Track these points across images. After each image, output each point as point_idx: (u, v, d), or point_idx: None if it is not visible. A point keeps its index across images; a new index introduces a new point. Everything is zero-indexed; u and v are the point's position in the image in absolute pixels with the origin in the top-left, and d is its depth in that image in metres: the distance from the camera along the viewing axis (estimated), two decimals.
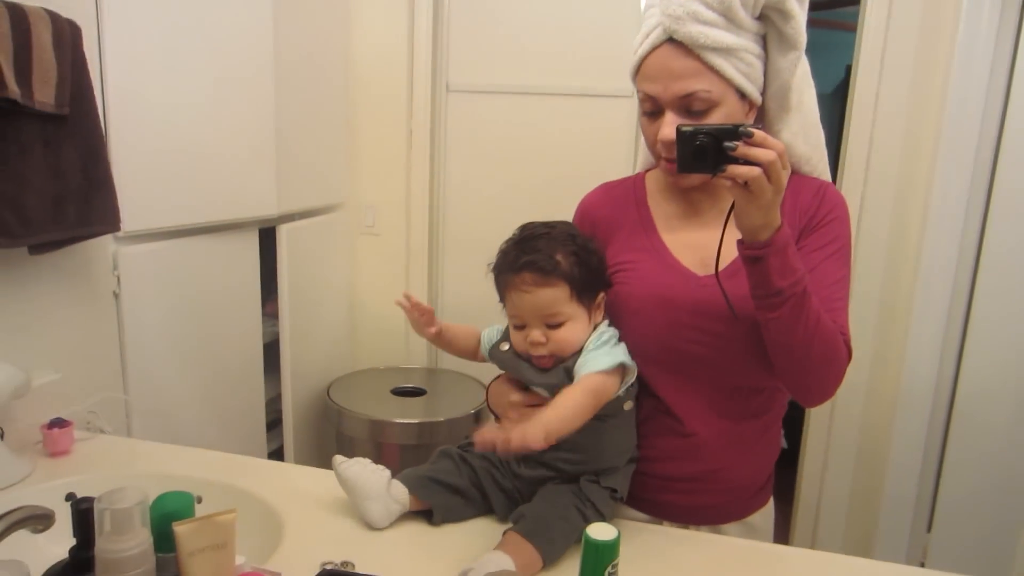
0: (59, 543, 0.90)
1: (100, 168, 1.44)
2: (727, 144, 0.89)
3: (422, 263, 2.66)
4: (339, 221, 2.58)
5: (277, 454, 2.30)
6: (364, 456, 1.14)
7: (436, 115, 2.59)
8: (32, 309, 1.40)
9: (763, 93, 1.10)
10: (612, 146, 2.42)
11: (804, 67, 1.12)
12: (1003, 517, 2.19)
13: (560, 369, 1.07)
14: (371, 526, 1.09)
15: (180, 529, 0.83)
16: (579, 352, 1.06)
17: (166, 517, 0.84)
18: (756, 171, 0.88)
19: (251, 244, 2.07)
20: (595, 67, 2.40)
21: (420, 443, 2.17)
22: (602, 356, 1.04)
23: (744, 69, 1.04)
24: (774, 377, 1.08)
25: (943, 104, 2.12)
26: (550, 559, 1.02)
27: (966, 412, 2.22)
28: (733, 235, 0.98)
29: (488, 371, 1.22)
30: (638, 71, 1.07)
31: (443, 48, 2.56)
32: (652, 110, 1.08)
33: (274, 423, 2.29)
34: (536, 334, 1.06)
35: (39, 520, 0.88)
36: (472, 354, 1.23)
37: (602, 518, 1.09)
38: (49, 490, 1.14)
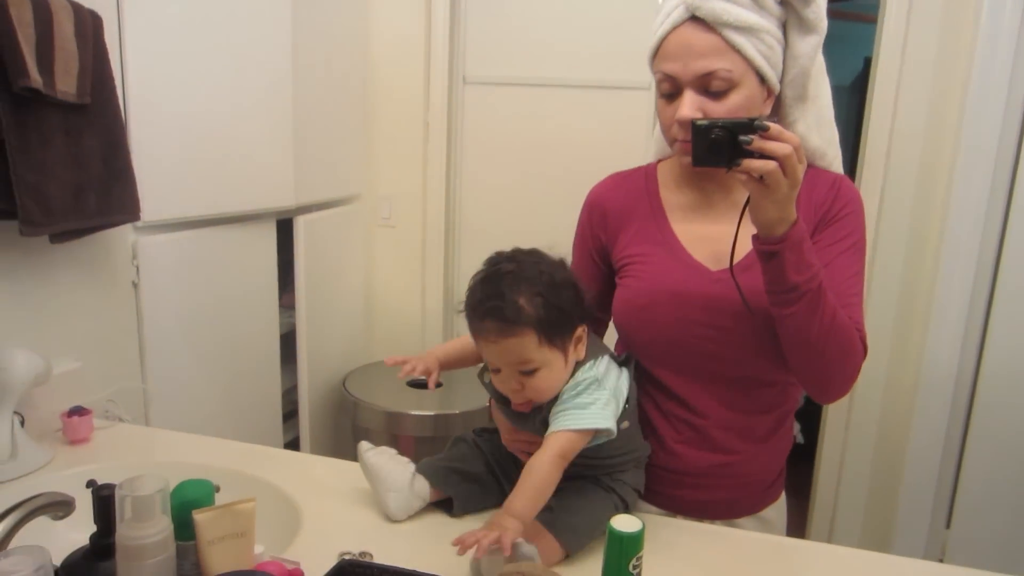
0: (79, 530, 0.91)
1: (120, 158, 1.45)
2: (742, 138, 0.88)
3: (438, 255, 2.65)
4: (356, 213, 2.58)
5: (293, 445, 2.30)
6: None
7: (453, 107, 2.58)
8: (53, 297, 1.41)
9: (780, 81, 1.08)
10: (629, 139, 2.40)
11: (821, 60, 1.10)
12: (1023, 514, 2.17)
13: (537, 419, 1.04)
14: (389, 517, 1.09)
15: (200, 517, 0.83)
16: (557, 397, 1.02)
17: (186, 505, 0.84)
18: (772, 165, 0.87)
19: (269, 235, 2.08)
20: (612, 59, 2.39)
21: (436, 435, 2.18)
22: (574, 414, 1.00)
23: (765, 51, 1.02)
24: (787, 371, 1.07)
25: (965, 96, 2.09)
26: (574, 548, 1.01)
27: (987, 407, 2.19)
28: (747, 229, 0.97)
29: None
30: (657, 51, 1.05)
31: (460, 40, 2.55)
32: (670, 91, 1.05)
33: (290, 414, 2.30)
34: (511, 382, 1.01)
35: (59, 507, 0.88)
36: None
37: (627, 508, 1.08)
38: (69, 477, 1.15)
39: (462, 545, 0.91)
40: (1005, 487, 2.19)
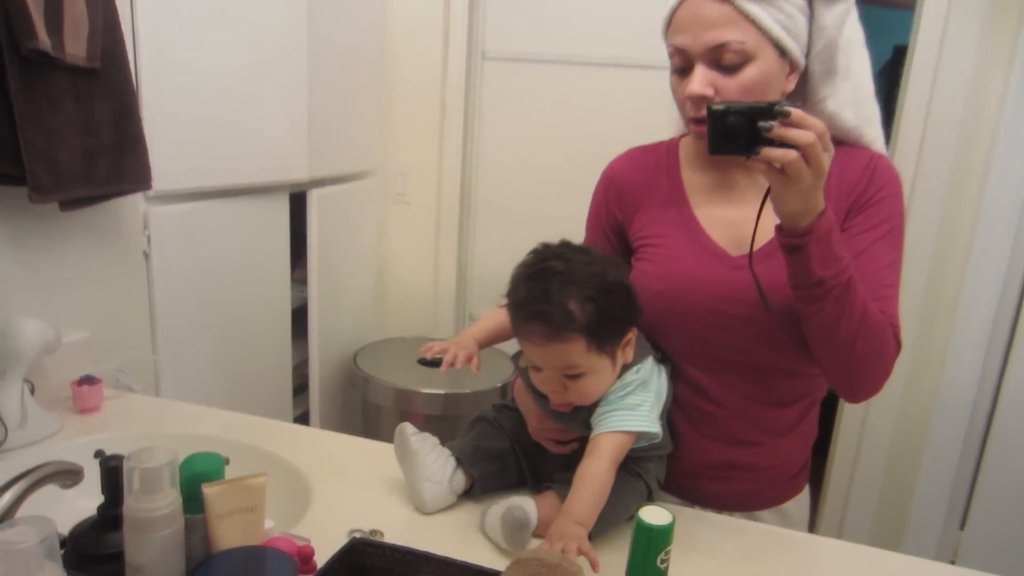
0: (88, 499, 0.89)
1: (132, 125, 1.43)
2: (761, 124, 0.82)
3: (452, 233, 2.63)
4: (370, 188, 2.55)
5: (302, 419, 2.30)
6: (391, 424, 1.11)
7: (471, 83, 2.54)
8: (63, 266, 1.39)
9: (807, 55, 1.01)
10: (649, 118, 2.31)
11: (855, 31, 1.03)
12: None
13: (578, 419, 1.01)
14: (420, 508, 1.05)
15: (209, 491, 0.81)
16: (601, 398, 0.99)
17: (195, 478, 0.83)
18: (793, 155, 0.81)
19: (281, 208, 2.05)
20: (634, 37, 2.33)
21: (445, 414, 2.16)
22: (625, 415, 0.97)
23: (784, 21, 0.95)
24: (811, 363, 1.01)
25: (1006, 86, 2.02)
26: (597, 531, 0.96)
27: (1010, 410, 2.14)
28: (769, 215, 0.91)
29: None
30: (669, 24, 1.00)
31: (480, 15, 2.50)
32: (682, 66, 1.00)
33: (300, 388, 2.29)
34: (554, 383, 0.97)
35: (67, 476, 0.87)
36: None
37: (651, 495, 1.06)
38: (78, 446, 1.14)
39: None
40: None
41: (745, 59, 0.95)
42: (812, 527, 2.42)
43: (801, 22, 0.98)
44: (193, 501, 0.81)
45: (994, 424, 2.18)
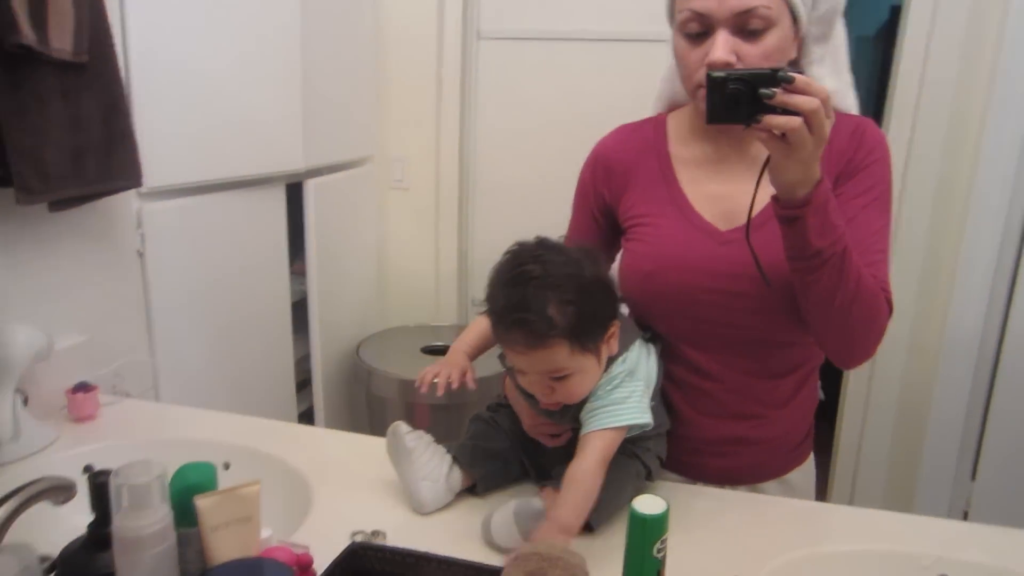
0: (83, 512, 0.87)
1: (121, 121, 1.39)
2: (763, 91, 0.79)
3: (452, 218, 2.60)
4: (367, 175, 2.52)
5: (307, 415, 2.28)
6: (397, 417, 1.09)
7: (467, 64, 2.49)
8: (53, 269, 1.36)
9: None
10: (650, 92, 2.31)
11: None
12: None
13: (569, 415, 0.99)
14: (418, 509, 1.03)
15: (202, 503, 0.79)
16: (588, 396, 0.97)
17: (188, 490, 0.80)
18: (796, 121, 0.79)
19: (278, 200, 2.02)
20: (632, 10, 2.28)
21: (451, 403, 2.14)
22: (612, 411, 0.95)
23: None
24: (805, 332, 1.00)
25: (999, 44, 2.00)
26: (597, 522, 0.96)
27: (1015, 359, 2.13)
28: (765, 188, 0.89)
29: None
30: None
31: None
32: (699, 31, 0.96)
33: (303, 383, 2.27)
34: (540, 386, 0.95)
35: (59, 492, 0.84)
36: None
37: (649, 474, 1.05)
38: (74, 458, 1.12)
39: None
40: None
41: (768, 25, 0.94)
42: (825, 495, 2.41)
43: None
44: (186, 514, 0.79)
45: (999, 373, 2.17)
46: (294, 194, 2.09)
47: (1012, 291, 2.12)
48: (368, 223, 2.57)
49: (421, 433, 1.06)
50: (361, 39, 2.38)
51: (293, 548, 0.85)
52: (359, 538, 0.94)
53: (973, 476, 2.28)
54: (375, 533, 0.96)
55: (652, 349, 1.05)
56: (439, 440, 1.09)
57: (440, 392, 1.07)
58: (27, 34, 1.15)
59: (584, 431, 0.96)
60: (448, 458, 1.05)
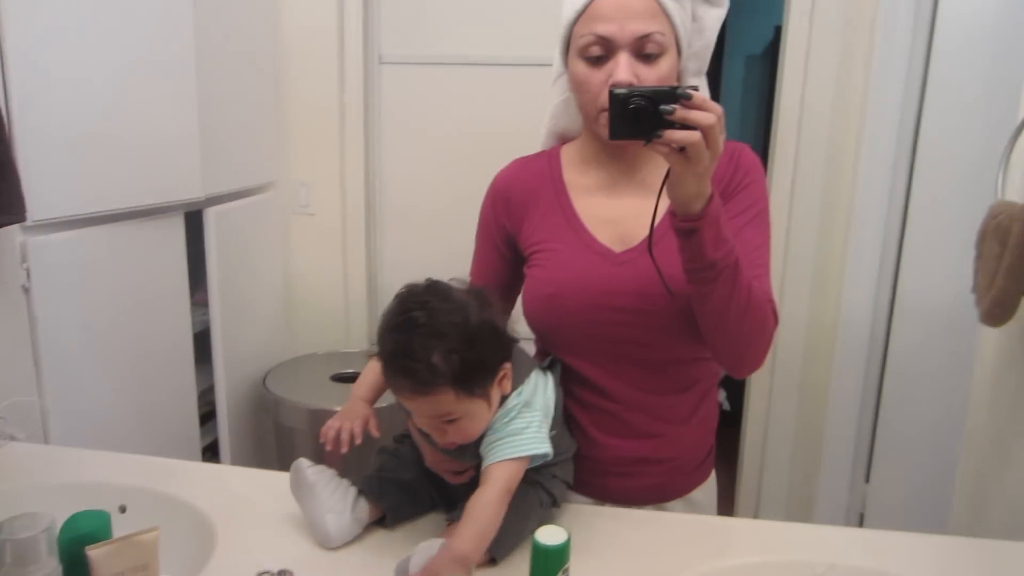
0: None
1: (1, 151, 1.32)
2: (664, 107, 0.83)
3: (359, 242, 2.57)
4: (271, 202, 2.47)
5: (212, 448, 2.20)
6: (306, 447, 1.07)
7: (369, 88, 2.49)
8: None
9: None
10: None
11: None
12: (936, 462, 2.24)
13: (468, 452, 0.99)
14: (324, 543, 1.00)
15: (94, 553, 0.76)
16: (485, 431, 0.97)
17: (79, 540, 0.77)
18: (696, 135, 0.83)
19: (176, 230, 1.96)
20: (534, 35, 2.32)
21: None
22: (511, 442, 0.96)
23: (685, 21, 1.02)
24: (702, 347, 1.05)
25: (870, 60, 2.15)
26: (499, 553, 0.96)
27: (899, 363, 2.25)
28: (650, 208, 0.95)
29: None
30: (584, 11, 1.01)
31: (375, 18, 2.45)
32: (601, 54, 1.01)
33: (208, 416, 2.19)
34: (432, 428, 0.96)
35: None
36: None
37: (554, 501, 1.06)
38: None
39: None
40: (918, 440, 2.25)
41: (662, 50, 1.00)
42: (732, 510, 2.48)
43: (690, 26, 1.05)
44: (77, 566, 0.76)
45: (885, 379, 2.29)
46: (195, 222, 2.03)
47: (894, 294, 2.25)
48: (273, 250, 2.52)
49: (324, 468, 1.04)
50: (260, 61, 2.33)
51: None
52: None
53: (867, 479, 2.39)
54: (282, 572, 0.94)
55: (550, 378, 1.07)
56: (353, 471, 1.08)
57: (344, 449, 1.05)
58: None
59: (485, 464, 0.96)
60: (353, 490, 1.04)
